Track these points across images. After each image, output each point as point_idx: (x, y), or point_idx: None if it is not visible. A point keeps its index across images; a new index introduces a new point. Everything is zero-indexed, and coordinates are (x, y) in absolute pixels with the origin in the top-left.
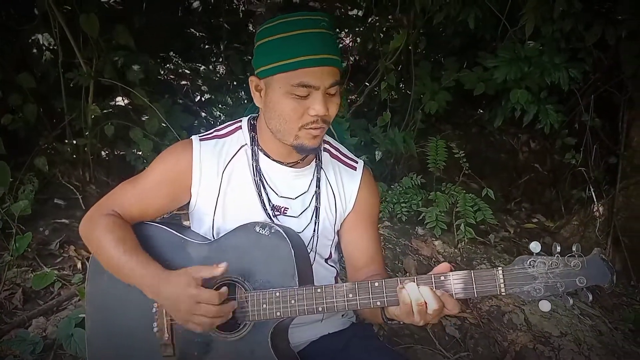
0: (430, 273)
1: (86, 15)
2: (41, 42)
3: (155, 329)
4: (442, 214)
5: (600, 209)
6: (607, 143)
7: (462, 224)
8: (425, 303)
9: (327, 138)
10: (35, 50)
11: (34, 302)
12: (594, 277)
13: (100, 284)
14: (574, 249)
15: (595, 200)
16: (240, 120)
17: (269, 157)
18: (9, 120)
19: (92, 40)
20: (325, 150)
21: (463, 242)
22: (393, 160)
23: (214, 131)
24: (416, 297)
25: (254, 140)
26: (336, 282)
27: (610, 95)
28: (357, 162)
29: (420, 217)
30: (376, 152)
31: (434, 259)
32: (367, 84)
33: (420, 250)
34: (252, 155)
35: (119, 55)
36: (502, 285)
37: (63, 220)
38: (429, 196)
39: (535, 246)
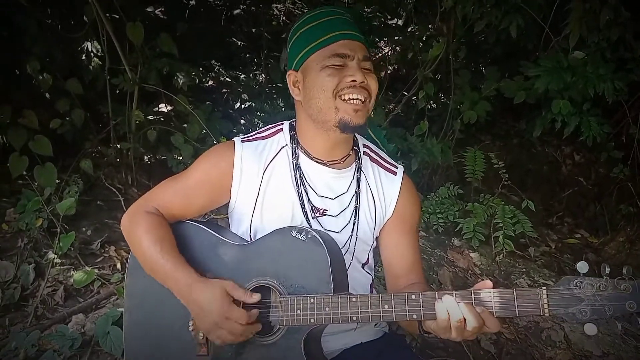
0: (470, 289)
1: (132, 23)
2: (89, 49)
3: (190, 328)
4: (480, 226)
5: None
6: None
7: (501, 236)
8: (464, 320)
9: (368, 143)
10: (83, 57)
11: (74, 299)
12: None
13: (139, 280)
14: (624, 271)
15: None
16: (282, 123)
17: (309, 155)
18: (58, 124)
19: (137, 47)
20: (365, 154)
21: (501, 255)
22: (430, 170)
23: (256, 133)
24: (455, 313)
25: (294, 140)
26: (371, 290)
27: None
28: (397, 167)
29: (457, 229)
30: (412, 161)
31: (470, 271)
32: (405, 93)
33: (457, 261)
34: (292, 153)
35: (162, 63)
36: (546, 306)
37: (106, 221)
38: (466, 207)
39: (582, 266)
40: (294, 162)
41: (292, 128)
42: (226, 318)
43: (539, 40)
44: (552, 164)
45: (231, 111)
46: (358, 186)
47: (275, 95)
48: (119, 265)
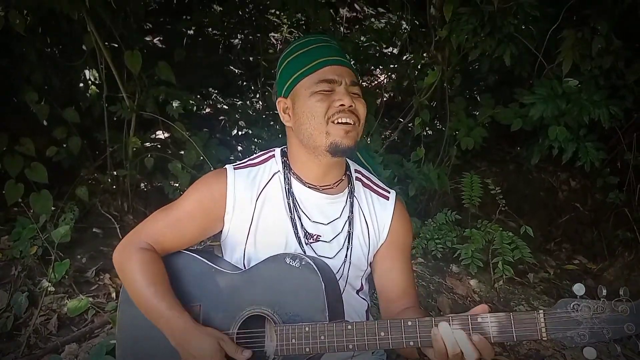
0: (467, 313)
1: (130, 52)
2: (87, 77)
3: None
4: (478, 252)
5: None
6: None
7: (500, 262)
8: (462, 352)
9: (359, 168)
10: (81, 85)
11: (67, 328)
12: None
13: (131, 312)
14: (621, 292)
15: None
16: (274, 150)
17: (301, 181)
18: (54, 152)
19: (135, 76)
20: (358, 179)
21: (501, 282)
22: (427, 196)
23: (248, 160)
24: (452, 344)
25: (286, 166)
26: (367, 315)
27: None
28: (389, 192)
29: (456, 255)
30: (410, 187)
31: (469, 298)
32: (401, 120)
33: (455, 288)
34: (285, 179)
35: (160, 91)
36: (544, 330)
37: (101, 248)
38: (464, 233)
39: (579, 288)
40: (287, 187)
41: (283, 154)
42: None
43: (533, 68)
44: (549, 190)
45: (228, 138)
46: (351, 211)
47: (272, 122)
48: (113, 294)
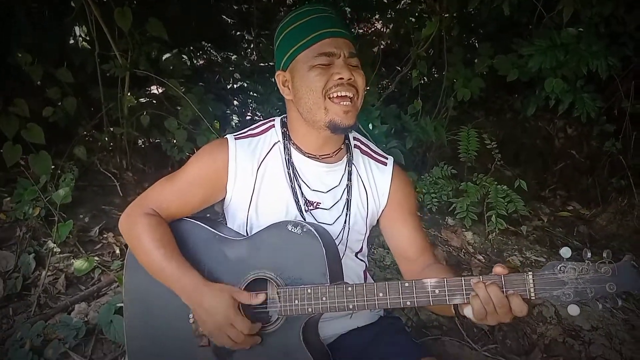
0: (461, 277)
1: (120, 9)
2: (78, 34)
3: (191, 320)
4: (473, 205)
5: (639, 197)
6: None
7: (494, 216)
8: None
9: (358, 136)
10: (72, 42)
11: (75, 287)
12: (625, 283)
13: (137, 276)
14: (604, 254)
15: (634, 188)
16: (273, 119)
17: (301, 151)
18: (50, 112)
19: (126, 33)
20: (356, 146)
21: (494, 233)
22: (424, 148)
23: (248, 130)
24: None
25: (286, 136)
26: (365, 275)
27: None
28: (387, 158)
29: (451, 208)
30: (407, 140)
31: (463, 249)
32: (398, 68)
33: (450, 241)
34: (285, 149)
35: (152, 48)
36: (532, 290)
37: (102, 207)
38: (459, 186)
39: (565, 252)
40: (287, 158)
41: (283, 124)
42: (230, 325)
43: (532, 15)
44: (545, 137)
45: (224, 92)
46: (349, 179)
47: (267, 74)
48: (118, 252)
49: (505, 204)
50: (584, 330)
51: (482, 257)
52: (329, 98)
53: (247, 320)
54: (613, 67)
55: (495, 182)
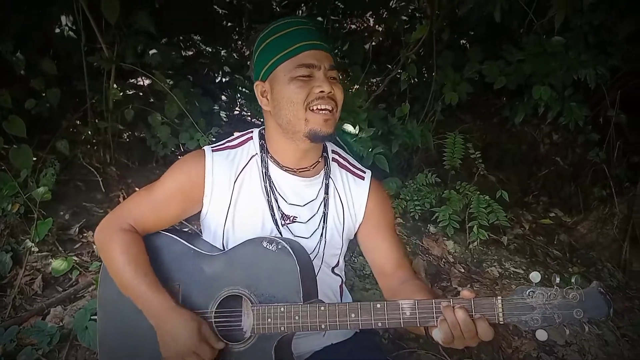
0: (432, 299)
1: (107, 0)
2: (64, 23)
3: None
4: (456, 214)
5: (620, 206)
6: (631, 140)
7: (475, 226)
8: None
9: (336, 149)
10: (58, 31)
11: (52, 288)
12: (592, 309)
13: (112, 288)
14: (572, 280)
15: (615, 197)
16: (252, 131)
17: (278, 164)
18: (33, 104)
19: (113, 25)
20: (334, 160)
21: (475, 243)
22: (410, 151)
23: (226, 142)
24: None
25: (263, 149)
26: (341, 290)
27: (638, 91)
28: (365, 172)
29: (433, 217)
30: (393, 144)
31: (444, 259)
32: (389, 66)
33: (431, 249)
34: (262, 162)
35: (140, 41)
36: (501, 314)
37: (84, 204)
38: (442, 194)
39: (535, 276)
40: (264, 171)
41: (261, 136)
42: (193, 352)
43: (524, 20)
44: (531, 143)
45: (212, 85)
46: (326, 192)
47: None
48: (97, 252)
49: (487, 214)
50: (557, 346)
51: (461, 267)
52: (310, 110)
53: (210, 349)
54: (601, 76)
55: (478, 192)
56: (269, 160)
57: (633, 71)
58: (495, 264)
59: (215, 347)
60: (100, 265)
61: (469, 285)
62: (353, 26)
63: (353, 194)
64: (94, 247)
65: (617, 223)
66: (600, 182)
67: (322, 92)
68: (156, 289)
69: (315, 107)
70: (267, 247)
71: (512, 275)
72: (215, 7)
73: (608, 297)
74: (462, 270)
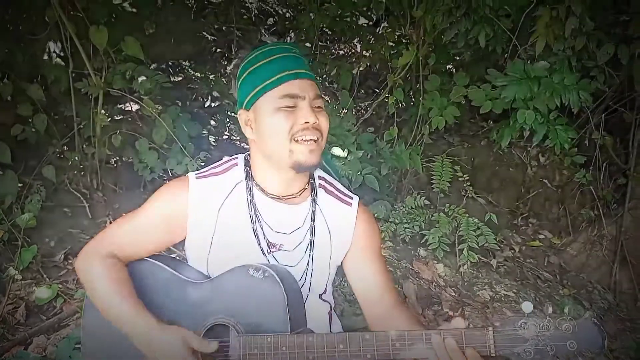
0: (422, 330)
1: (96, 27)
2: (52, 50)
3: None
4: (445, 237)
5: (608, 228)
6: (617, 162)
7: (465, 249)
8: None
9: (323, 174)
10: (46, 58)
11: (36, 316)
12: (585, 341)
13: (97, 317)
14: (565, 311)
15: (603, 219)
16: (237, 157)
17: (264, 192)
18: (19, 130)
19: (101, 52)
20: (321, 186)
21: (465, 266)
22: (399, 174)
23: (210, 169)
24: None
25: (248, 176)
26: (330, 317)
27: (622, 113)
28: (352, 198)
29: (423, 240)
30: (382, 166)
31: (434, 282)
32: (377, 90)
33: (422, 273)
34: (247, 190)
35: (128, 67)
36: (492, 346)
37: (69, 230)
38: (432, 217)
39: (527, 306)
40: (249, 199)
41: (247, 163)
42: None
43: (507, 46)
44: (518, 165)
45: (200, 110)
46: (313, 219)
47: None
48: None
49: (476, 237)
50: None
51: (452, 291)
52: (295, 140)
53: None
54: (585, 101)
55: (467, 215)
56: (254, 188)
57: (616, 95)
58: (486, 287)
59: (207, 351)
60: (85, 293)
61: (460, 310)
62: (341, 52)
63: (340, 221)
64: None
65: (605, 244)
66: (588, 204)
67: (306, 122)
68: (139, 310)
69: (300, 138)
70: (254, 274)
71: (503, 299)
72: (204, 33)
73: (602, 329)
74: (453, 294)
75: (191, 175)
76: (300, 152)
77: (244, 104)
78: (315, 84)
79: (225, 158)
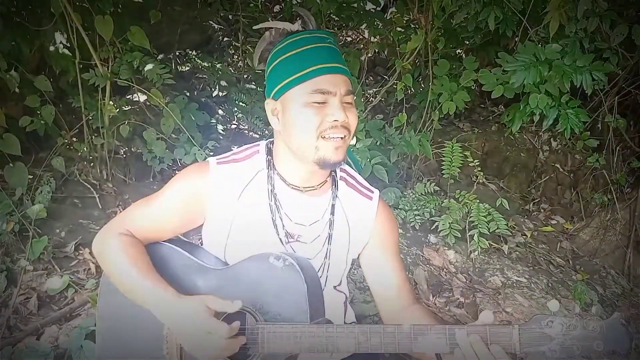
0: (446, 326)
1: (101, 17)
2: (58, 41)
3: (165, 352)
4: (456, 223)
5: (622, 212)
6: (630, 145)
7: (476, 235)
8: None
9: (345, 167)
10: (53, 49)
11: (48, 307)
12: (612, 342)
13: (112, 302)
14: (593, 310)
15: (616, 203)
16: (258, 144)
17: (285, 182)
18: (27, 122)
19: (107, 42)
20: (342, 179)
21: (476, 252)
22: (409, 160)
23: (232, 154)
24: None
25: (270, 165)
26: (345, 306)
27: (636, 95)
28: (373, 192)
29: (433, 227)
30: (391, 153)
31: (445, 269)
32: (385, 77)
33: (432, 260)
34: (268, 179)
35: (134, 57)
36: (518, 344)
37: (80, 221)
38: (442, 203)
39: (553, 305)
40: (270, 188)
41: (269, 151)
42: (207, 332)
43: (518, 28)
44: (530, 150)
45: (208, 100)
46: (332, 213)
47: (254, 83)
48: (93, 269)
49: (487, 222)
50: None
51: (463, 277)
52: (322, 137)
53: (222, 323)
54: (598, 82)
55: (478, 200)
56: (275, 177)
57: (630, 77)
58: (497, 273)
59: (230, 310)
60: (96, 283)
61: (472, 296)
62: (349, 38)
63: (360, 215)
64: (90, 264)
65: (619, 229)
66: (601, 188)
67: (336, 121)
68: (160, 284)
69: (327, 136)
70: (274, 263)
71: (514, 284)
72: (211, 22)
73: (629, 330)
74: (464, 280)
75: (212, 160)
76: (326, 149)
77: (272, 94)
78: (349, 79)
79: (247, 145)
